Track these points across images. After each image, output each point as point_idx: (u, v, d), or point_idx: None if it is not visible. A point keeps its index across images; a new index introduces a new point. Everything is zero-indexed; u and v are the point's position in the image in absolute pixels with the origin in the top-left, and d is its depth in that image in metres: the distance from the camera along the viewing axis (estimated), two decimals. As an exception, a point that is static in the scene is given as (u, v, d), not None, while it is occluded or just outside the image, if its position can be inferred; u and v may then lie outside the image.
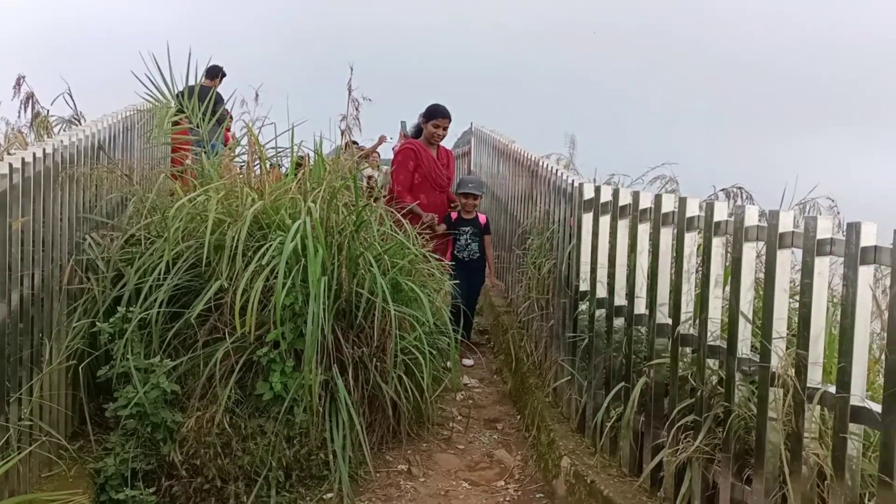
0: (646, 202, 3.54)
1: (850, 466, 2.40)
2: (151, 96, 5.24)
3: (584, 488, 3.52)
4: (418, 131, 6.06)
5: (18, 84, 4.86)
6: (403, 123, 10.60)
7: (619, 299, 3.75)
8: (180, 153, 6.06)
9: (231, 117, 7.41)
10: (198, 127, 5.29)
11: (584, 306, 4.06)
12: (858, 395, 2.39)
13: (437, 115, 5.85)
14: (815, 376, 2.55)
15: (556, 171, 4.91)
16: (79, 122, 5.37)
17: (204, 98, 5.58)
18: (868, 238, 2.37)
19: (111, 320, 3.73)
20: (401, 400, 4.15)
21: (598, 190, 3.98)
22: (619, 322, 3.74)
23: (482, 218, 5.90)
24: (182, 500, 3.50)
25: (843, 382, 2.41)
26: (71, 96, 5.28)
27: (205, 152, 5.20)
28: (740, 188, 5.04)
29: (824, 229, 2.53)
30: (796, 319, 2.67)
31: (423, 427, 4.47)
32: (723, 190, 5.07)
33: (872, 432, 2.47)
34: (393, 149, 10.49)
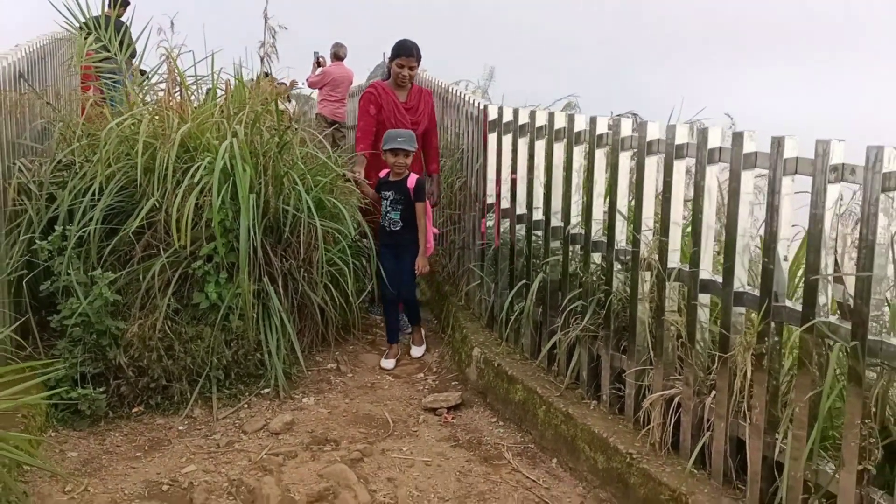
0: (541, 121, 3.99)
1: (701, 328, 2.97)
2: (68, 24, 5.29)
3: (492, 371, 4.06)
4: (388, 72, 5.24)
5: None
6: (316, 54, 10.71)
7: (521, 209, 4.23)
8: (88, 82, 6.12)
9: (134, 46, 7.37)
10: (108, 58, 5.38)
11: (490, 217, 4.53)
12: (707, 269, 2.95)
13: (399, 53, 5.06)
14: (674, 258, 3.09)
15: (465, 96, 5.30)
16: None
17: (107, 27, 5.63)
18: (714, 141, 2.89)
19: (50, 238, 3.95)
20: (328, 307, 4.56)
21: (500, 111, 4.40)
22: (520, 228, 4.23)
23: (411, 180, 4.66)
24: (130, 398, 3.85)
25: (695, 261, 2.96)
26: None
27: (113, 82, 5.34)
28: (635, 113, 5.57)
29: (681, 135, 3.04)
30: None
31: (349, 332, 4.91)
32: (619, 115, 5.60)
33: (718, 301, 3.03)
34: (307, 79, 10.65)
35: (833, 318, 2.43)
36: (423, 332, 4.94)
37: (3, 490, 2.61)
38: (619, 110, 5.76)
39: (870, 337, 2.27)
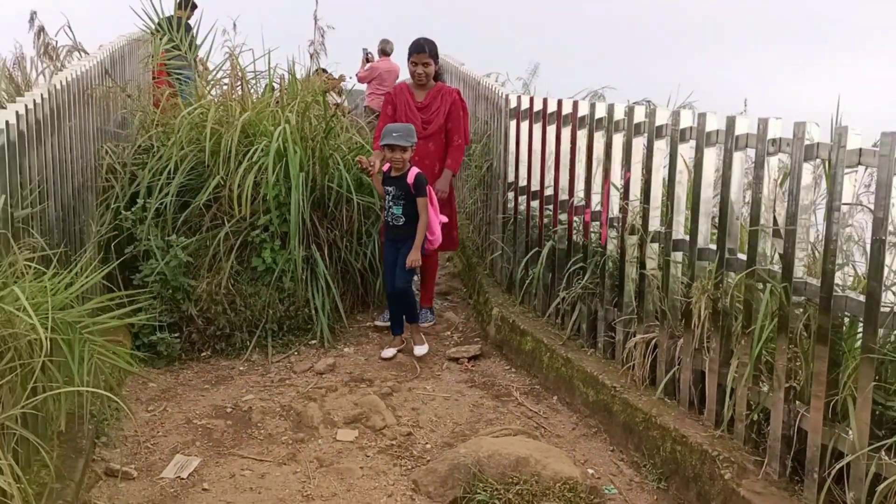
0: (552, 107, 4.55)
1: (674, 280, 3.49)
2: (145, 26, 6.07)
3: (508, 326, 4.64)
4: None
5: (32, 19, 5.61)
6: (365, 50, 11.37)
7: (535, 186, 4.79)
8: (161, 77, 6.89)
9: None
10: (179, 56, 6.14)
11: (511, 194, 5.10)
12: (680, 231, 3.48)
13: (412, 51, 5.02)
14: (654, 223, 3.62)
15: (493, 87, 5.88)
16: (79, 52, 6.14)
17: (177, 29, 6.38)
18: (685, 122, 3.41)
19: (133, 209, 4.69)
20: (367, 273, 5.21)
21: (519, 99, 4.97)
22: (535, 204, 4.80)
23: (411, 175, 4.56)
24: (199, 343, 4.56)
25: (668, 224, 3.49)
26: (70, 29, 6.05)
27: (178, 79, 6.10)
28: (648, 101, 6.08)
29: (661, 118, 3.57)
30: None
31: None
32: (636, 102, 6.11)
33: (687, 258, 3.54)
34: (356, 74, 11.33)
35: (772, 266, 2.95)
36: (421, 333, 4.82)
37: (113, 386, 3.29)
38: (645, 97, 6.33)
39: (795, 279, 2.79)
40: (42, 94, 3.54)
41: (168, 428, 3.66)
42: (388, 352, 4.66)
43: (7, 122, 2.95)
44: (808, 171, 2.77)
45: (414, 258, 4.56)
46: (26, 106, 3.23)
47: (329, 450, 3.51)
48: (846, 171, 2.58)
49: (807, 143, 2.75)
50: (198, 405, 3.92)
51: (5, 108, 3.20)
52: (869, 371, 2.45)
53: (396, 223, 4.64)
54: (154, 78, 7.12)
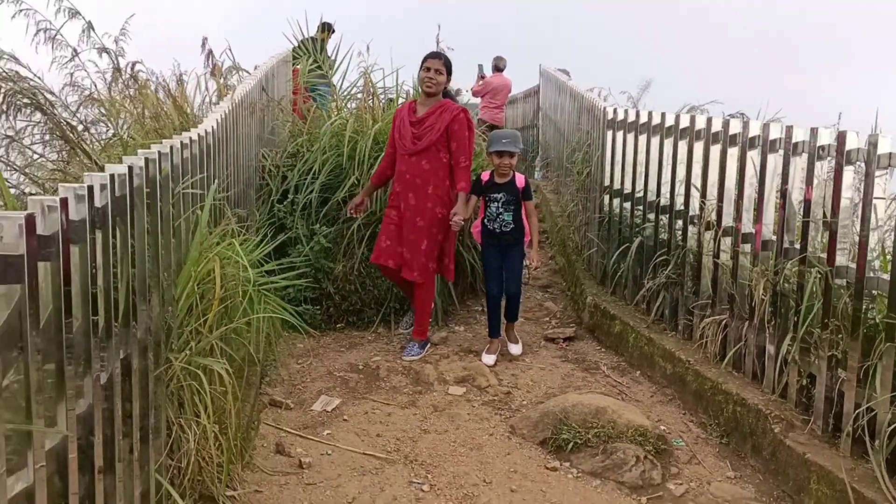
0: (643, 118, 5.13)
1: (743, 270, 4.02)
2: (295, 50, 7.11)
3: (600, 312, 5.26)
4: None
5: (203, 44, 6.74)
6: (480, 66, 12.19)
7: (627, 189, 5.39)
8: (300, 94, 7.95)
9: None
10: (325, 73, 7.13)
11: (606, 197, 5.71)
12: (747, 225, 4.00)
13: (425, 58, 4.83)
14: (728, 219, 4.16)
15: (594, 100, 6.50)
16: (238, 71, 7.26)
17: (319, 50, 7.39)
18: (754, 132, 3.95)
19: (283, 204, 5.63)
20: (476, 264, 5.94)
21: (615, 111, 5.58)
22: (627, 204, 5.39)
23: (520, 180, 4.73)
24: (336, 316, 5.44)
25: (738, 219, 4.03)
26: (231, 51, 7.16)
27: (317, 95, 7.08)
28: (742, 113, 6.54)
29: (734, 126, 4.11)
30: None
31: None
32: (731, 115, 6.58)
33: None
34: (471, 89, 12.16)
35: (820, 254, 3.46)
36: (515, 331, 4.99)
37: (272, 342, 4.17)
38: (740, 110, 6.78)
39: (838, 263, 3.29)
40: (225, 109, 4.49)
41: (314, 377, 4.52)
42: (490, 358, 4.75)
43: (206, 130, 3.88)
44: (849, 173, 3.27)
45: (538, 258, 4.86)
46: (217, 119, 4.17)
47: (441, 400, 4.25)
48: (878, 172, 3.08)
49: (848, 148, 3.26)
50: (336, 362, 4.76)
51: (199, 122, 4.15)
52: (892, 337, 2.94)
53: (505, 229, 4.69)
54: (294, 93, 8.19)
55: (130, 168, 2.14)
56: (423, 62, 4.81)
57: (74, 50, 5.32)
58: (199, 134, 3.28)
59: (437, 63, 4.75)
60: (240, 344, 3.38)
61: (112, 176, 2.00)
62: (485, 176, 4.79)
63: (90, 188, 1.87)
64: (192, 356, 2.68)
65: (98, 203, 1.92)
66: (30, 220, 1.52)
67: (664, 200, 4.84)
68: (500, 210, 4.70)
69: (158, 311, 2.45)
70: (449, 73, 4.81)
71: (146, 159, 2.29)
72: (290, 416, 3.96)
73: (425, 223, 4.75)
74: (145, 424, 2.34)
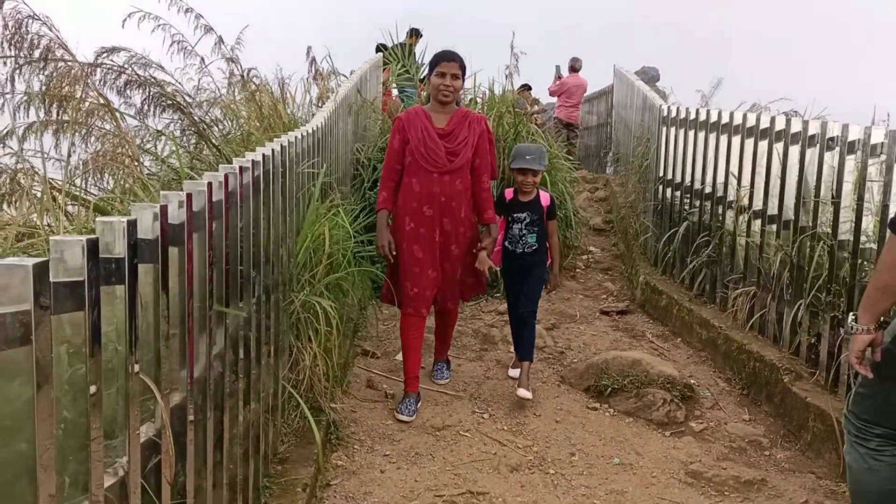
0: (692, 114, 5.73)
1: (767, 247, 4.60)
2: (388, 56, 8.03)
3: (650, 289, 5.90)
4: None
5: (308, 52, 7.72)
6: (558, 67, 12.83)
7: (678, 178, 5.99)
8: (388, 95, 8.85)
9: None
10: (413, 76, 8.01)
11: (660, 186, 6.33)
12: (774, 208, 4.58)
13: (438, 59, 4.04)
14: (757, 203, 4.75)
15: (655, 98, 7.10)
16: (336, 75, 8.23)
17: (407, 55, 8.26)
18: (779, 126, 4.52)
19: (373, 191, 6.49)
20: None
21: (668, 109, 6.19)
22: (677, 193, 6.00)
23: (545, 198, 4.34)
24: (416, 288, 6.26)
25: (765, 201, 4.62)
26: (330, 58, 8.14)
27: (405, 96, 7.94)
28: (795, 111, 7.01)
29: (780, 123, 4.69)
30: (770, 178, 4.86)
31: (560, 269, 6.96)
32: (784, 112, 7.06)
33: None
34: (548, 89, 12.82)
35: (829, 230, 4.03)
36: (529, 374, 4.32)
37: (364, 306, 5.03)
38: (792, 108, 7.24)
39: (840, 237, 3.87)
40: (329, 109, 5.38)
41: (396, 335, 5.35)
42: (516, 371, 4.53)
43: (317, 126, 4.76)
44: (850, 161, 3.84)
45: (558, 280, 4.64)
46: (324, 117, 5.05)
47: (504, 356, 5.01)
48: (870, 159, 3.65)
49: (850, 139, 3.83)
50: (416, 325, 5.58)
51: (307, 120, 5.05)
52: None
53: (528, 250, 4.33)
54: (385, 95, 9.12)
55: (272, 151, 2.99)
56: (434, 64, 4.04)
57: (202, 59, 6.34)
58: (311, 129, 4.14)
59: (454, 67, 4.00)
60: (341, 300, 4.24)
61: (263, 156, 2.85)
62: (508, 193, 4.37)
63: (241, 167, 2.71)
64: (308, 296, 3.54)
65: (245, 180, 2.76)
66: (209, 188, 2.35)
67: (707, 189, 5.44)
68: (524, 232, 4.31)
69: (286, 260, 3.31)
70: (465, 74, 4.07)
71: (281, 146, 3.15)
72: (377, 363, 4.80)
73: (460, 251, 4.15)
74: (277, 341, 3.20)
